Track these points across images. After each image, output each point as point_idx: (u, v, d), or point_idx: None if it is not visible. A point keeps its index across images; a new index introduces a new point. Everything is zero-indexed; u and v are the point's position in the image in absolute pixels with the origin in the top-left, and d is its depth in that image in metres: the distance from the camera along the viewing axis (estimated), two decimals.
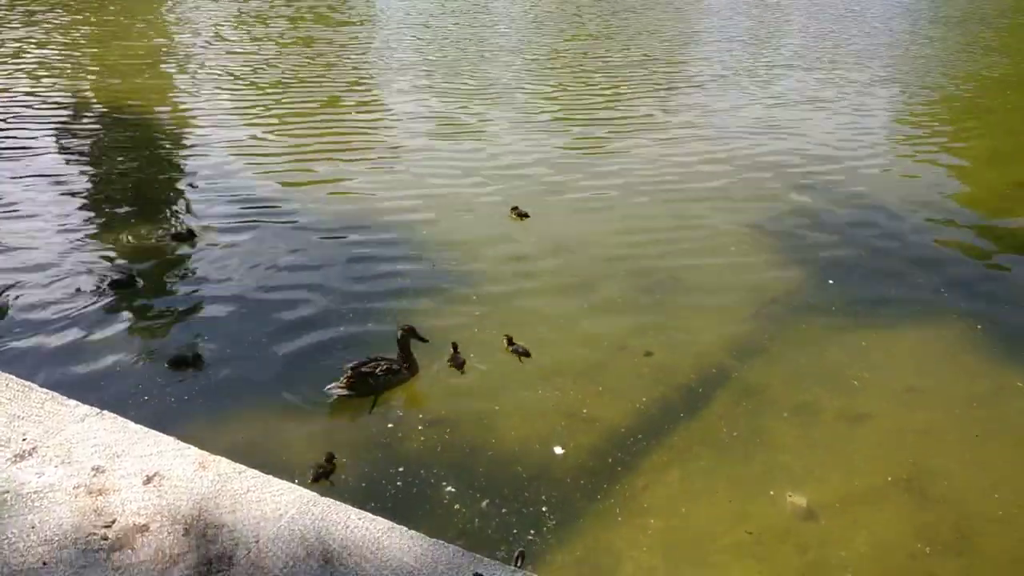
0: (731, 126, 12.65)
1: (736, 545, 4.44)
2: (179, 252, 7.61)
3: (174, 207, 8.81)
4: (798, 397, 5.77)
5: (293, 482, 3.22)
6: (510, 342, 6.15)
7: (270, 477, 3.15)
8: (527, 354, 6.08)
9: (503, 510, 4.58)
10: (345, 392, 5.45)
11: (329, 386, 5.48)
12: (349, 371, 5.48)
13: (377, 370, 5.52)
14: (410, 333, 5.76)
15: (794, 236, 8.61)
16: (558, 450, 5.07)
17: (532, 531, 4.44)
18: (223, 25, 19.40)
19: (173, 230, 7.89)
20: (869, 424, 5.53)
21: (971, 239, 8.79)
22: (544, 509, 4.60)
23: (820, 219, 9.11)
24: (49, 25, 18.04)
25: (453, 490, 4.71)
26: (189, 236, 7.77)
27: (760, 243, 8.40)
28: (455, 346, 6.02)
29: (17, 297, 6.60)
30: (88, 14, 19.63)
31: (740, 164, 10.83)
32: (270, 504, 3.02)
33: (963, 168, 11.42)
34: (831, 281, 7.54)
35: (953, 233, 8.91)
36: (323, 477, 4.73)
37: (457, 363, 5.91)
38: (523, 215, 8.55)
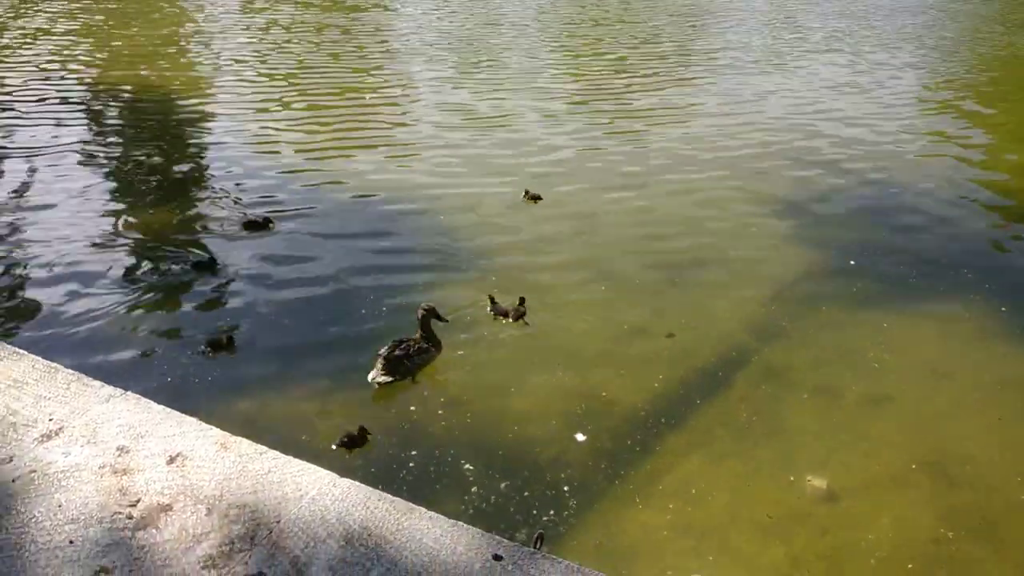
0: (753, 109, 12.49)
1: (756, 528, 4.42)
2: (226, 238, 7.60)
3: (201, 197, 8.80)
4: (819, 379, 5.72)
5: (315, 462, 3.25)
6: (492, 301, 6.39)
7: (290, 458, 3.17)
8: (506, 315, 6.27)
9: (522, 492, 4.59)
10: (388, 379, 5.50)
11: (371, 375, 5.52)
12: (383, 357, 5.53)
13: (410, 351, 5.60)
14: (431, 313, 5.82)
15: (816, 218, 8.51)
16: (580, 437, 5.05)
17: (551, 513, 4.45)
18: (237, 12, 19.36)
19: (247, 218, 7.83)
20: (892, 407, 5.48)
21: (997, 221, 8.65)
22: (563, 491, 4.61)
23: (843, 201, 8.99)
24: (58, 12, 18.08)
25: (473, 472, 4.73)
26: (264, 224, 7.72)
27: (782, 225, 8.31)
28: (522, 300, 6.38)
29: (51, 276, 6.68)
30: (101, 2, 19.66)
31: (761, 146, 10.71)
32: (291, 484, 3.04)
33: (989, 149, 11.22)
34: (852, 263, 7.46)
35: (978, 215, 8.76)
36: (350, 446, 4.81)
37: (516, 315, 6.28)
38: (535, 198, 8.48)
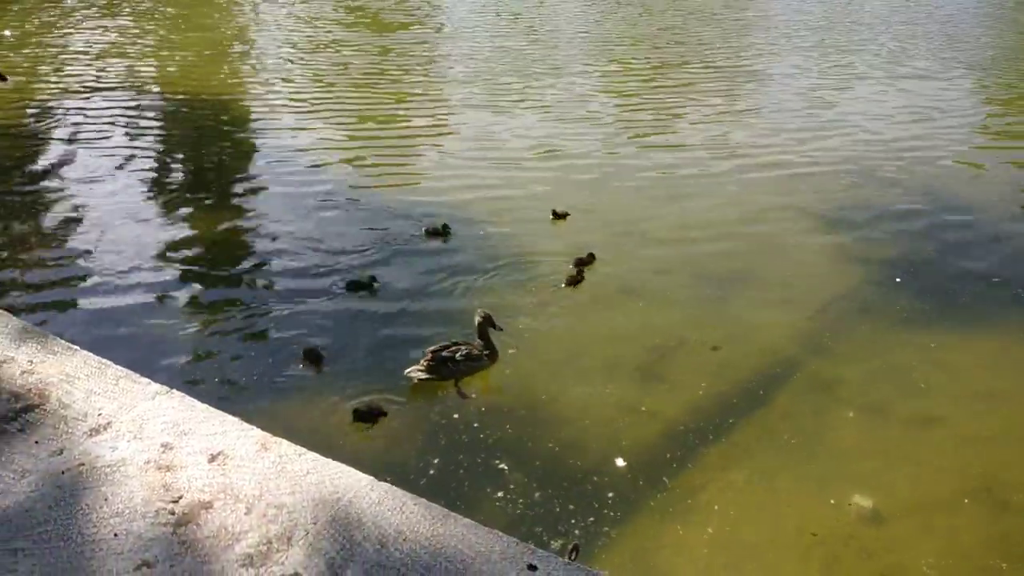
0: (798, 122, 12.26)
1: (798, 547, 4.33)
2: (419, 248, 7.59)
3: (246, 206, 8.93)
4: (866, 397, 5.58)
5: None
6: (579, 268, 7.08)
7: (329, 460, 3.19)
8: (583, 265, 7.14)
9: (559, 502, 4.57)
10: (424, 376, 5.51)
11: (409, 369, 5.55)
12: (429, 354, 5.55)
13: (457, 355, 5.59)
14: (487, 321, 5.80)
15: (862, 233, 8.32)
16: (620, 462, 4.91)
17: (587, 525, 4.42)
18: (287, 30, 19.63)
19: (428, 226, 7.78)
20: (941, 428, 5.32)
21: None
22: (600, 503, 4.57)
23: (891, 217, 8.77)
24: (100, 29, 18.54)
25: (510, 479, 4.72)
26: (444, 231, 7.71)
27: (827, 240, 8.16)
28: (580, 270, 7.06)
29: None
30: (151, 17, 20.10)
31: (806, 159, 10.51)
32: (328, 486, 3.06)
33: None
34: (898, 279, 7.26)
35: None
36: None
37: (572, 282, 6.91)
38: (563, 215, 8.27)
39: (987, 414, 5.49)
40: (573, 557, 4.02)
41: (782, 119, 12.39)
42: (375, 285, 6.77)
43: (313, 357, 5.70)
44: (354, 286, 6.73)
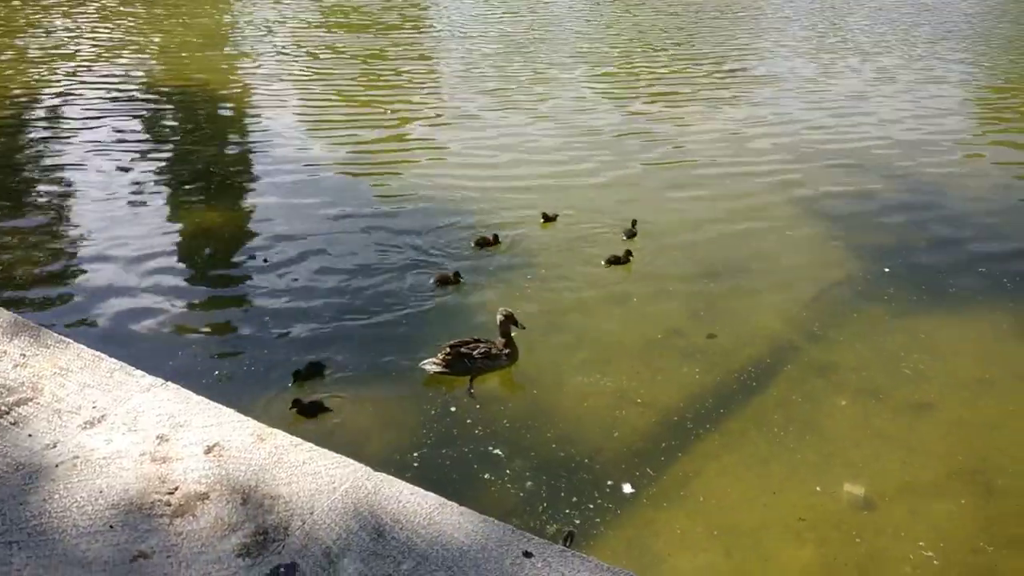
0: (793, 113, 12.32)
1: (789, 532, 4.37)
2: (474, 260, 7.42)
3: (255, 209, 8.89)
4: (858, 385, 5.63)
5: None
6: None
7: (325, 450, 3.19)
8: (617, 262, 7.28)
9: (554, 490, 4.59)
10: (439, 369, 5.46)
11: (424, 362, 5.50)
12: (447, 348, 5.50)
13: (475, 352, 5.52)
14: (509, 319, 5.69)
15: (855, 223, 8.38)
16: (627, 488, 4.68)
17: (582, 512, 4.44)
18: (289, 36, 19.51)
19: (478, 236, 7.65)
20: (932, 414, 5.37)
21: None
22: (595, 491, 4.60)
23: (883, 208, 8.84)
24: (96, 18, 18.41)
25: (506, 469, 4.74)
26: (495, 241, 7.61)
27: (818, 229, 8.21)
28: (629, 252, 7.31)
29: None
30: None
31: (800, 150, 10.58)
32: (325, 477, 3.07)
33: None
34: (887, 269, 7.33)
35: (1022, 224, 8.55)
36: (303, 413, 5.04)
37: (615, 261, 7.22)
38: (552, 218, 8.17)
39: (977, 400, 5.54)
40: (568, 544, 4.05)
41: (774, 116, 12.38)
42: (461, 281, 6.79)
43: (307, 374, 5.45)
44: (443, 281, 6.76)
